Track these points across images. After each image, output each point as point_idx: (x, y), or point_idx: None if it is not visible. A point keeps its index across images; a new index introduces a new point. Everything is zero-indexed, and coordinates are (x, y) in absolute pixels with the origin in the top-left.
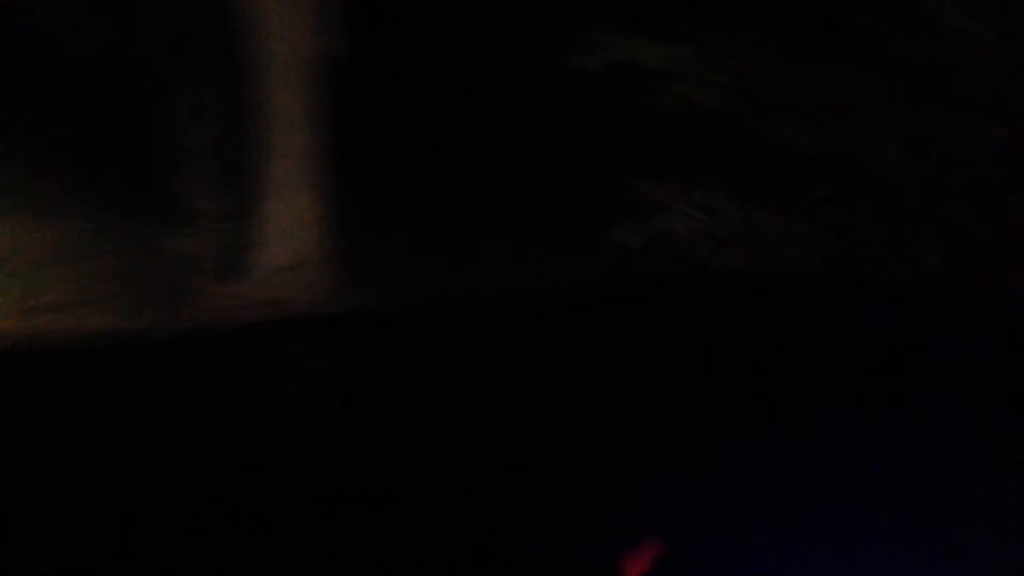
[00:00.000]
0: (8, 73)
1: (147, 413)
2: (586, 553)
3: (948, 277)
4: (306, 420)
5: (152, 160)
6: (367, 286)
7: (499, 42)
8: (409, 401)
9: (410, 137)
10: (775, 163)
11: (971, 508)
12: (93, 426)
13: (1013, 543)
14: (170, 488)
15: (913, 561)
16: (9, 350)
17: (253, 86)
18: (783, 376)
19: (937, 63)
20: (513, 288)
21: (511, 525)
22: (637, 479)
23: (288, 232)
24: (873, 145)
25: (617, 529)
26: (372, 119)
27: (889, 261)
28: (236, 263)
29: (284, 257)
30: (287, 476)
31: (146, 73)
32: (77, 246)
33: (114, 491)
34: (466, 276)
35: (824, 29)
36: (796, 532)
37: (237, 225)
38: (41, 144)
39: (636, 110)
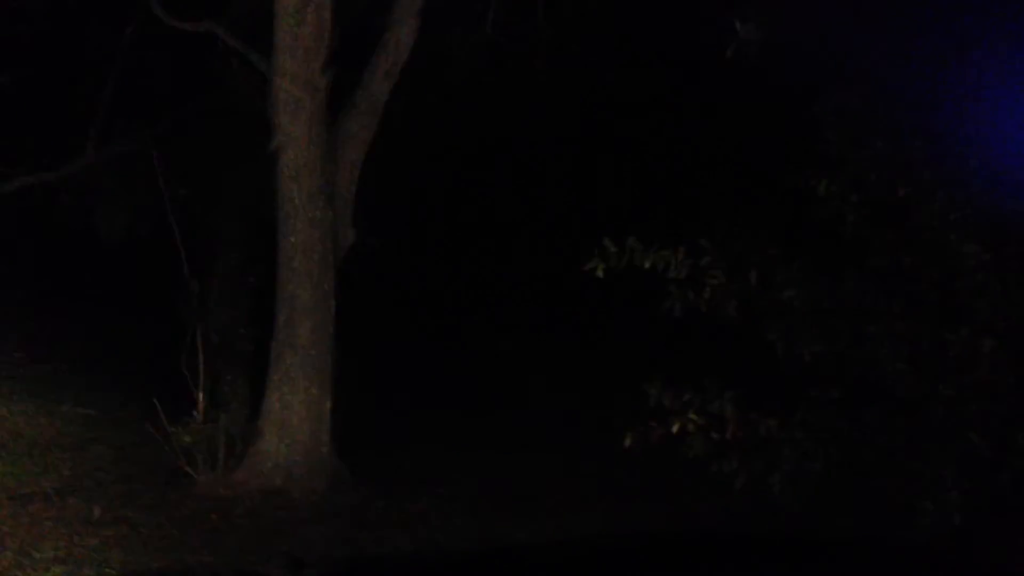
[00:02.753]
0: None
1: None
2: None
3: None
4: None
5: (163, 344)
6: (369, 479)
7: (510, 246)
8: None
9: (423, 333)
10: (777, 369)
11: None
12: None
13: None
14: None
15: None
16: None
17: (277, 276)
18: None
19: (936, 277)
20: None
21: None
22: None
23: (293, 423)
24: (874, 354)
25: None
26: (384, 311)
27: (896, 468)
28: (238, 452)
29: (288, 448)
30: None
31: (167, 258)
32: (75, 432)
33: None
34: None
35: (824, 236)
36: None
37: (242, 413)
38: (48, 325)
39: (643, 315)
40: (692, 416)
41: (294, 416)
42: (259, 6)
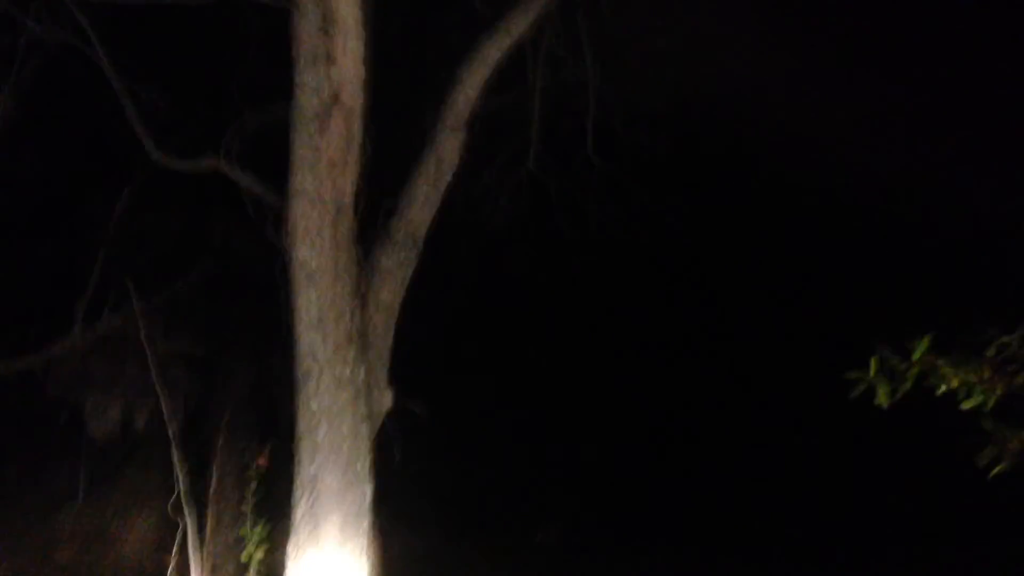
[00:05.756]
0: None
1: None
2: None
3: None
4: None
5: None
6: None
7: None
8: None
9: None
10: None
11: None
12: None
13: None
14: None
15: None
16: None
17: (295, 452)
18: None
19: None
20: None
21: None
22: None
23: None
24: None
25: None
26: (434, 495)
27: None
28: None
29: None
30: None
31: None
32: None
33: None
34: None
35: None
36: None
37: None
38: (35, 532)
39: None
40: None
41: None
42: (269, 124)
